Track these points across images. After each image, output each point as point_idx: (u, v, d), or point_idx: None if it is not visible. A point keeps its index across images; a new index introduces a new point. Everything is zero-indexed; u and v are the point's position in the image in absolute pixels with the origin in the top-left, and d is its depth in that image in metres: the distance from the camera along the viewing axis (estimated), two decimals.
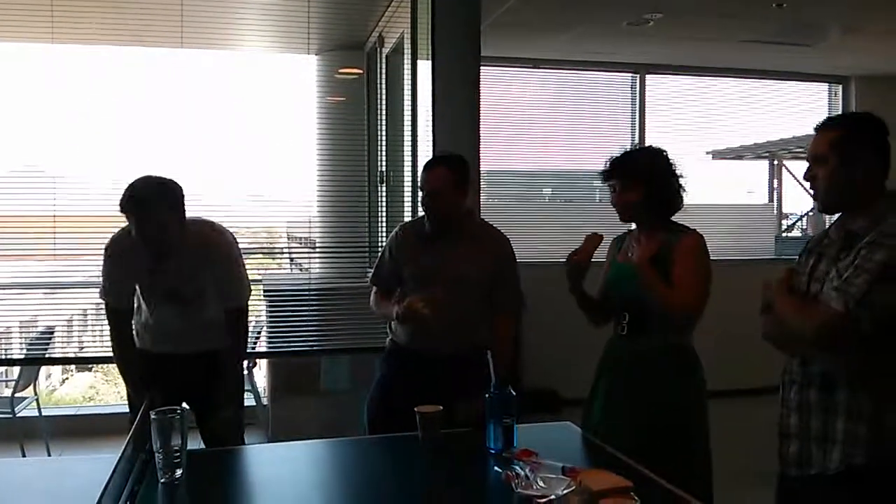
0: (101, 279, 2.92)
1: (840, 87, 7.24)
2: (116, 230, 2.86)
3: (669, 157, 2.72)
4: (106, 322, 2.99)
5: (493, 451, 2.22)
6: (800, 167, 7.78)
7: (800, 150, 7.79)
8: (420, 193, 2.99)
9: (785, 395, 2.07)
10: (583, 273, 2.68)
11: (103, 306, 2.98)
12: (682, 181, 2.67)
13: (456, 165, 2.97)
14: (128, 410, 2.99)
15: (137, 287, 2.96)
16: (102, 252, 2.89)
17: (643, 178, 2.63)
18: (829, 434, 1.94)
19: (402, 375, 2.95)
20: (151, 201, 2.68)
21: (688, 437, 2.55)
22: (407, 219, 4.54)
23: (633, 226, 2.79)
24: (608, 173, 2.71)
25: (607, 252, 2.86)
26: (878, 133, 2.00)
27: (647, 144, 2.86)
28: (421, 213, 3.06)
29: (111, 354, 3.04)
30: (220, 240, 2.95)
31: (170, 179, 2.76)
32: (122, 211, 2.69)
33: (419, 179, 3.02)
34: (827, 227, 2.14)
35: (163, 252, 2.81)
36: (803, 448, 2.01)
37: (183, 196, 2.77)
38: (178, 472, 1.99)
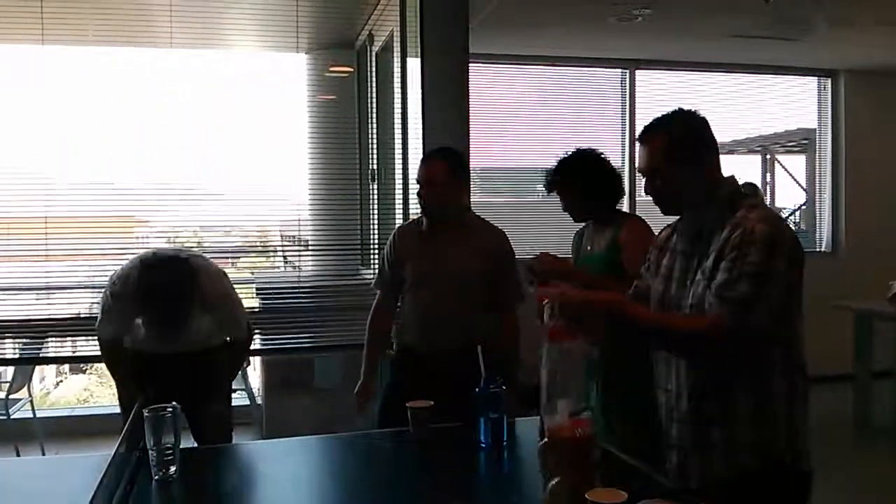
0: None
1: (829, 80, 7.28)
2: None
3: (599, 154, 3.02)
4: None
5: (483, 446, 2.23)
6: (792, 161, 7.83)
7: (792, 143, 7.84)
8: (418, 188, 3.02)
9: (665, 406, 2.02)
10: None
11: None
12: (615, 173, 3.01)
13: (450, 157, 3.04)
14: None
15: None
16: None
17: (576, 181, 2.96)
18: (706, 442, 1.89)
19: (411, 377, 2.99)
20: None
21: None
22: (398, 215, 4.56)
23: None
24: (549, 186, 3.03)
25: (571, 247, 3.12)
26: (701, 125, 1.98)
27: (580, 148, 3.04)
28: (413, 211, 3.08)
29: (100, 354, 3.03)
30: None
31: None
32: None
33: (418, 175, 3.04)
34: (673, 224, 2.10)
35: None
36: (685, 459, 1.96)
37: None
38: (172, 468, 2.00)
